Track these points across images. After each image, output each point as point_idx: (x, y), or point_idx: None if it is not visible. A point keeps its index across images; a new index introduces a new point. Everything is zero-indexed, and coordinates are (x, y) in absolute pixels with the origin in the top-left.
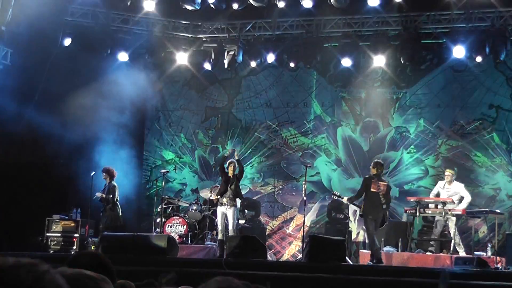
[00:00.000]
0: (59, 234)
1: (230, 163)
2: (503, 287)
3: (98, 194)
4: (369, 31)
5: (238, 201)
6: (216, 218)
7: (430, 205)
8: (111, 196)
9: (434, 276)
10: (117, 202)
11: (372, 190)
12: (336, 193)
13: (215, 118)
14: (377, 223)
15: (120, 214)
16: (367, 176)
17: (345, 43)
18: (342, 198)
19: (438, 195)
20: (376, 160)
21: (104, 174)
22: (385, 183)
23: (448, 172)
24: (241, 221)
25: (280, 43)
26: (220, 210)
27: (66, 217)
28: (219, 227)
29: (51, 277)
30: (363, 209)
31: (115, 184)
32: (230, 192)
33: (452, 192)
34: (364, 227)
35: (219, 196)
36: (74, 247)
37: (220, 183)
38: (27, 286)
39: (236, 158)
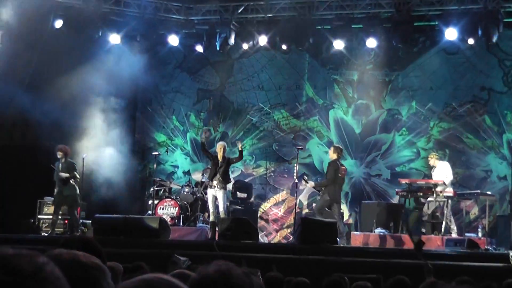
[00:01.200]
0: (51, 217)
1: (219, 146)
2: (493, 268)
3: (64, 175)
4: (361, 13)
5: (231, 183)
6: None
7: (421, 187)
8: (75, 172)
9: (425, 258)
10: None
11: (339, 175)
12: (305, 178)
13: (207, 100)
14: (339, 207)
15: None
16: (333, 160)
17: (338, 26)
18: (308, 183)
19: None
20: (335, 145)
21: (60, 152)
22: (345, 167)
23: (429, 157)
24: (233, 203)
25: (273, 25)
26: (210, 192)
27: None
28: (211, 210)
29: (50, 268)
30: (333, 194)
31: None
32: (219, 175)
33: (440, 173)
34: (333, 211)
35: (209, 179)
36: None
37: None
38: (27, 274)
39: (240, 149)
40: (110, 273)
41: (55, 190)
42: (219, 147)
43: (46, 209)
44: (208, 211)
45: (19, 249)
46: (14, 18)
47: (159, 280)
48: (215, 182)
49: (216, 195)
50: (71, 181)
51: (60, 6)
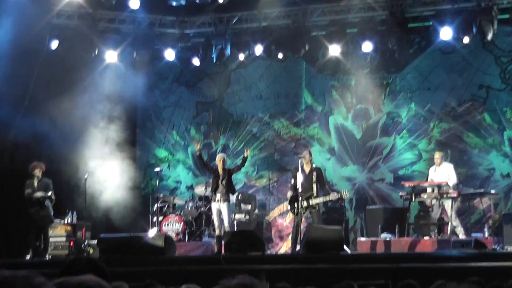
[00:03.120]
0: (56, 239)
1: (218, 157)
2: (501, 268)
3: (40, 194)
4: (355, 17)
5: (234, 195)
6: (211, 214)
7: (425, 189)
8: (51, 192)
9: (433, 261)
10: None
11: None
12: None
13: (207, 113)
14: None
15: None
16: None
17: (332, 31)
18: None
19: (432, 180)
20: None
21: (37, 170)
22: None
23: (436, 155)
24: (238, 216)
25: (268, 34)
26: (214, 206)
27: (63, 221)
28: (216, 223)
29: None
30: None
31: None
32: (222, 187)
33: (443, 174)
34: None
35: (212, 193)
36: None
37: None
38: None
39: (245, 155)
40: None
41: (31, 211)
42: (218, 159)
43: (51, 232)
44: (213, 225)
45: (15, 271)
46: (11, 42)
47: None
48: (218, 195)
49: (220, 209)
50: (46, 201)
51: (55, 26)
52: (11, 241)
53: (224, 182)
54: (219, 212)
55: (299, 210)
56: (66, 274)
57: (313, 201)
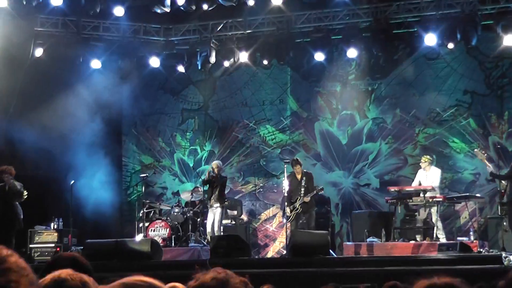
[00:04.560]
0: (43, 245)
1: (214, 164)
2: (486, 270)
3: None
4: (340, 24)
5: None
6: (197, 219)
7: (411, 194)
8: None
9: (418, 264)
10: None
11: None
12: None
13: (192, 120)
14: None
15: None
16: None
17: (317, 38)
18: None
19: (420, 184)
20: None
21: (6, 174)
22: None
23: (423, 159)
24: (224, 221)
25: (252, 41)
26: (210, 212)
27: (49, 228)
28: (208, 229)
29: (14, 259)
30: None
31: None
32: (215, 194)
33: (431, 178)
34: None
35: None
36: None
37: (200, 184)
38: None
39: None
40: None
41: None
42: (214, 166)
43: (37, 238)
44: (199, 230)
45: None
46: None
47: (141, 282)
48: (212, 202)
49: (214, 215)
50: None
51: (40, 34)
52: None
53: (217, 190)
54: (213, 219)
55: (290, 215)
56: (49, 273)
57: (297, 203)
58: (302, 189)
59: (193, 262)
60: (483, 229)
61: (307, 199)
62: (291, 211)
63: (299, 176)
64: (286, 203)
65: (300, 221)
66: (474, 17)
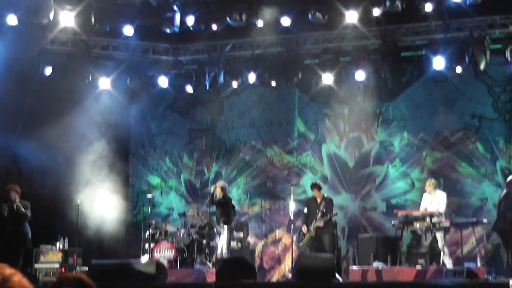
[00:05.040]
0: (48, 265)
1: (219, 185)
2: None
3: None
4: (348, 46)
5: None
6: (203, 241)
7: (417, 218)
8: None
9: None
10: None
11: None
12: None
13: (199, 140)
14: None
15: None
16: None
17: (325, 59)
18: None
19: (426, 209)
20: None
21: (13, 192)
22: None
23: (428, 183)
24: (230, 243)
25: (261, 62)
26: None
27: (54, 247)
28: (218, 250)
29: (17, 279)
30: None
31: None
32: (223, 216)
33: (436, 203)
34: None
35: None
36: None
37: (207, 205)
38: None
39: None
40: None
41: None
42: (219, 186)
43: (42, 258)
44: (205, 252)
45: None
46: (4, 67)
47: None
48: (221, 224)
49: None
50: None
51: (49, 52)
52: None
53: (224, 211)
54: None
55: (303, 238)
56: None
57: (311, 226)
58: (319, 214)
59: (198, 285)
60: (491, 255)
61: (320, 223)
62: (304, 234)
63: (318, 200)
64: (302, 224)
65: (314, 245)
66: (482, 41)
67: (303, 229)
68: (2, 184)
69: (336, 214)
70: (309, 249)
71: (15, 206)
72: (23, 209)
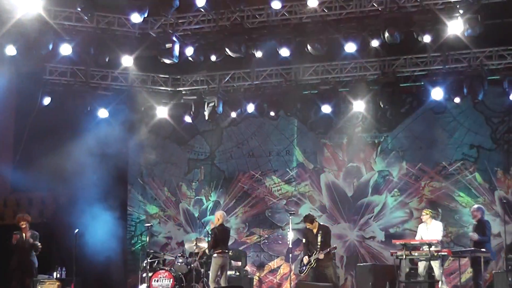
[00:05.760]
0: None
1: (218, 214)
2: None
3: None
4: (347, 76)
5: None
6: (201, 270)
7: (416, 247)
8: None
9: None
10: None
11: None
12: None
13: (198, 170)
14: None
15: None
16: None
17: (324, 90)
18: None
19: (421, 238)
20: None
21: (23, 221)
22: None
23: (424, 212)
24: (228, 272)
25: (260, 92)
26: None
27: (51, 277)
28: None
29: None
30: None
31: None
32: (223, 244)
33: (432, 233)
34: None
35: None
36: None
37: (204, 235)
38: None
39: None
40: None
41: (20, 258)
42: (219, 216)
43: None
44: (203, 281)
45: None
46: (2, 97)
47: None
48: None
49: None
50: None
51: (48, 83)
52: None
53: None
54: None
55: (305, 269)
56: None
57: (312, 257)
58: (319, 244)
59: None
60: (489, 284)
61: (321, 256)
62: (306, 265)
63: (315, 230)
64: (303, 255)
65: (315, 275)
66: (480, 72)
67: (304, 260)
68: (0, 217)
69: (335, 247)
70: (311, 279)
71: (24, 238)
72: (31, 241)
